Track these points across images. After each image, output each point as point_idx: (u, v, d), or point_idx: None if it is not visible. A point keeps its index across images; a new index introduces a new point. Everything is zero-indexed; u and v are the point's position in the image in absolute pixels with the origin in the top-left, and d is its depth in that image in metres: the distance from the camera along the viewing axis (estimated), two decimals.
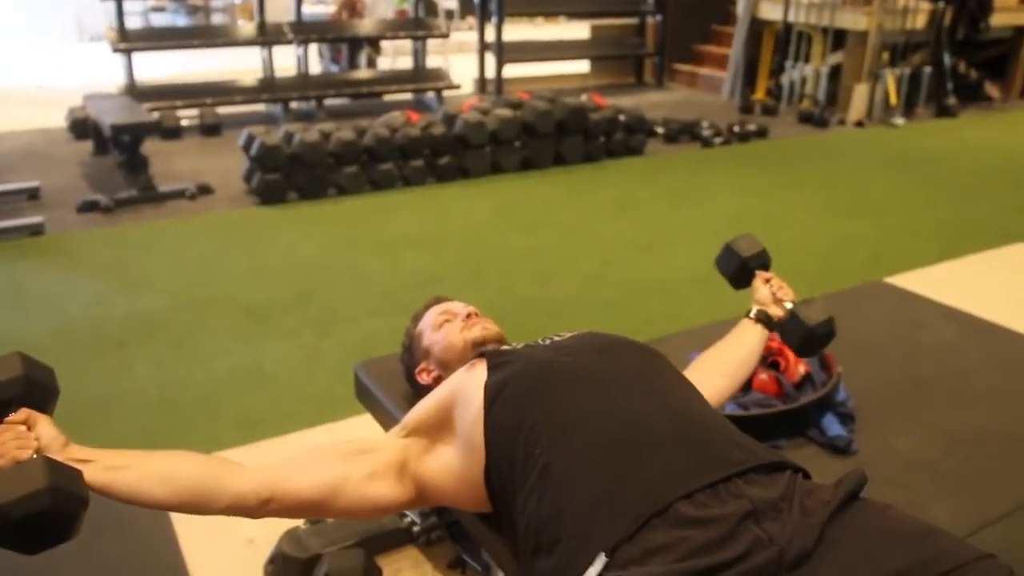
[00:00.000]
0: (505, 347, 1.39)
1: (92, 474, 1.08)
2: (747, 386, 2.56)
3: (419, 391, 1.57)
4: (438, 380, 1.54)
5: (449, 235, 4.16)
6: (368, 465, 1.28)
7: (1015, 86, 8.04)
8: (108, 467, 1.10)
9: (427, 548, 1.91)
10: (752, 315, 1.67)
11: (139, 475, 1.12)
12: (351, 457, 1.29)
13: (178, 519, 2.05)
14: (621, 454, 1.11)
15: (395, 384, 1.75)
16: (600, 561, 1.00)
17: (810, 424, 2.47)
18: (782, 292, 1.68)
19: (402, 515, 1.93)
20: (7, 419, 1.10)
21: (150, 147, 4.76)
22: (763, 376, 2.53)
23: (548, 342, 1.39)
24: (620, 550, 1.01)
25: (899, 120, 6.84)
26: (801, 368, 2.57)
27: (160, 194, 4.57)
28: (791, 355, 2.58)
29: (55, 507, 0.98)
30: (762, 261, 1.76)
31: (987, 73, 7.94)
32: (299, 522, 1.95)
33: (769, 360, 2.59)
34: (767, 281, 1.71)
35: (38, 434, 1.09)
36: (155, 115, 4.96)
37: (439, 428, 1.32)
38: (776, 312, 1.66)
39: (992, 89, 7.96)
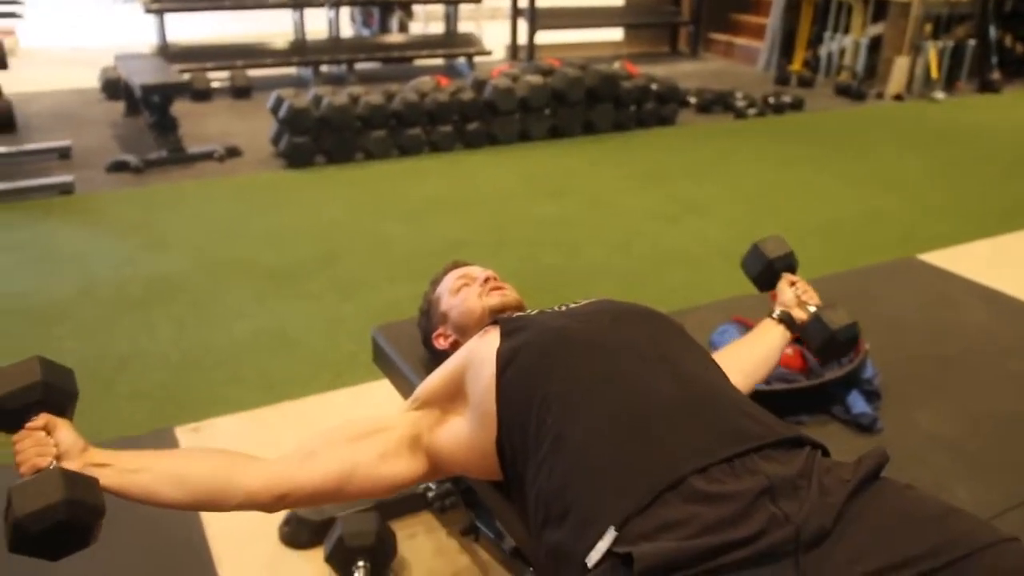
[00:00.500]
0: (519, 313, 1.37)
1: (108, 479, 1.08)
2: None
3: (436, 356, 1.56)
4: (455, 345, 1.53)
5: (475, 201, 4.13)
6: (380, 445, 1.27)
7: None
8: (124, 471, 1.11)
9: (441, 514, 1.91)
10: (775, 316, 1.65)
11: (154, 478, 1.12)
12: (361, 439, 1.27)
13: None
14: (634, 426, 1.09)
15: (413, 348, 1.74)
16: (610, 535, 0.98)
17: (835, 401, 2.43)
18: (807, 295, 1.67)
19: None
20: (27, 425, 1.10)
21: (180, 108, 4.77)
22: (788, 351, 2.46)
23: (563, 309, 1.36)
24: (631, 524, 0.98)
25: (940, 94, 6.66)
26: None
27: (189, 155, 4.58)
28: None
29: (71, 519, 1.00)
30: (788, 263, 1.74)
31: None
32: None
33: (794, 335, 2.54)
34: (792, 284, 1.69)
35: (57, 440, 1.09)
36: (186, 76, 4.96)
37: (451, 398, 1.31)
38: (800, 315, 1.64)
39: None
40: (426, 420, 1.31)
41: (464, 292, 1.55)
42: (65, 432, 1.11)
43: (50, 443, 1.09)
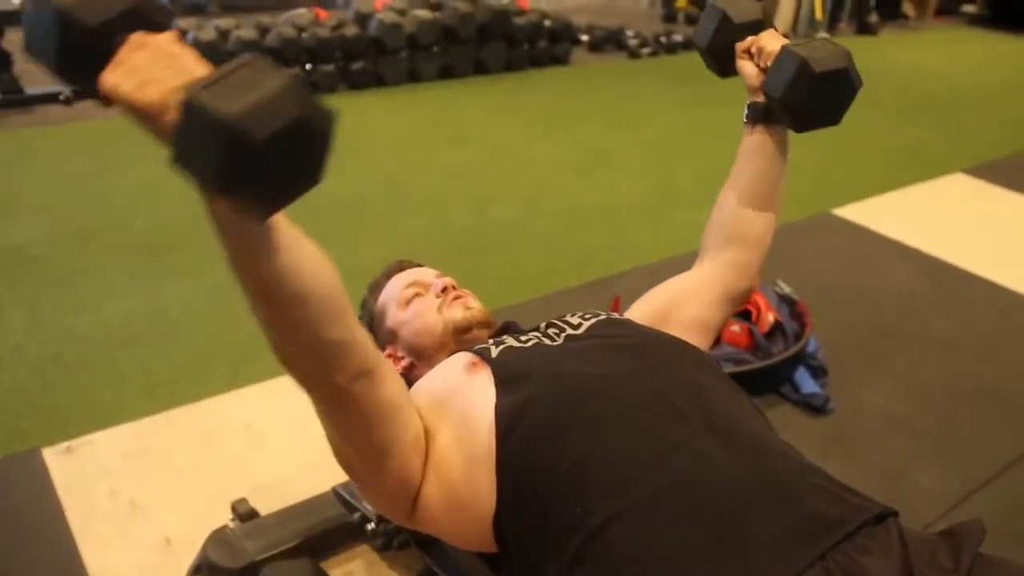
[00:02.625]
0: (512, 341, 1.08)
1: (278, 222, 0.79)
2: (717, 338, 2.36)
3: None
4: (409, 369, 1.24)
5: (368, 151, 3.75)
6: (417, 423, 0.98)
7: (929, 5, 8.01)
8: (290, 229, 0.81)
9: (384, 552, 1.64)
10: (744, 118, 1.27)
11: (301, 248, 0.81)
12: (411, 401, 0.99)
13: (73, 507, 1.71)
14: (700, 519, 0.85)
15: None
16: None
17: (783, 380, 2.29)
18: (765, 56, 1.20)
19: (350, 508, 1.64)
20: (131, 39, 0.70)
21: (12, 39, 4.11)
22: (735, 328, 2.32)
23: (560, 338, 1.08)
24: None
25: (823, 35, 6.65)
26: (771, 317, 2.38)
27: (28, 97, 3.98)
28: (762, 303, 2.39)
29: (322, 121, 0.68)
30: (752, 19, 1.25)
31: None
32: (226, 519, 1.65)
33: (739, 309, 2.38)
34: (748, 51, 1.24)
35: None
36: (16, 2, 4.28)
37: (437, 428, 1.01)
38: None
39: (908, 7, 7.91)
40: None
41: (418, 304, 1.25)
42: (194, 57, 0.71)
43: (192, 54, 0.71)
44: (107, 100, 0.70)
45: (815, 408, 2.23)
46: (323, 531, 1.62)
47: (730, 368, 2.24)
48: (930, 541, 0.89)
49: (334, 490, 1.69)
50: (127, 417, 1.98)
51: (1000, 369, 2.49)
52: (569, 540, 0.87)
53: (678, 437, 0.92)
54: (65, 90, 4.01)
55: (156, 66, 0.69)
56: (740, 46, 1.25)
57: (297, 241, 0.81)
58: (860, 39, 6.95)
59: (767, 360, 2.25)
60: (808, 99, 1.14)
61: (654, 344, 1.08)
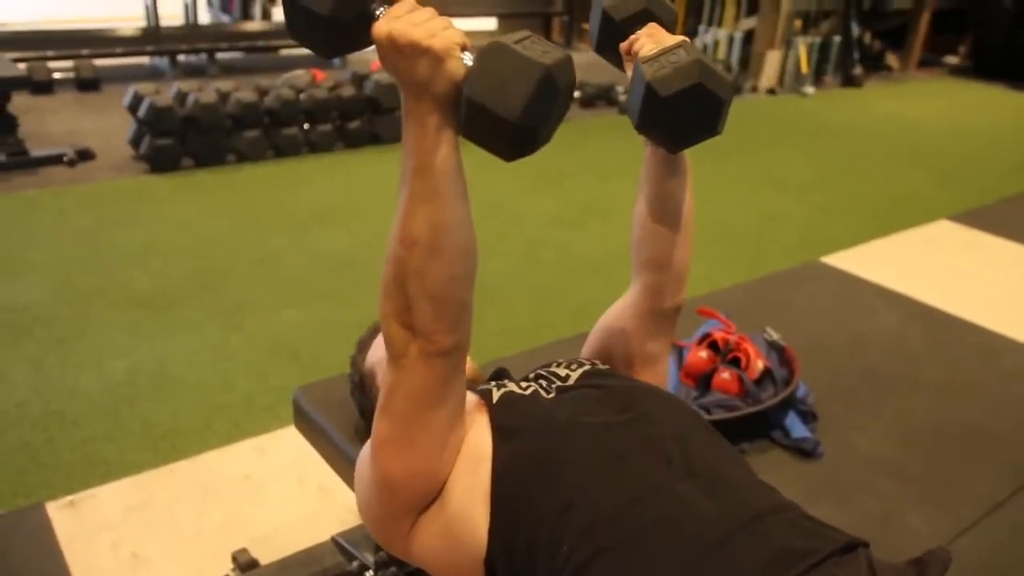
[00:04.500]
0: (513, 390, 1.13)
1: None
2: (707, 385, 2.41)
3: None
4: None
5: (363, 209, 3.83)
6: (463, 430, 1.05)
7: (913, 57, 8.21)
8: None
9: None
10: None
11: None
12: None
13: (76, 561, 1.74)
14: (678, 555, 0.89)
15: (343, 412, 1.49)
16: None
17: (774, 425, 2.33)
18: (638, 44, 1.10)
19: (349, 556, 1.67)
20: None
21: (18, 104, 4.22)
22: (725, 375, 2.37)
23: (553, 390, 1.13)
24: None
25: (809, 88, 6.84)
26: (761, 363, 2.43)
27: (33, 159, 4.05)
28: (751, 350, 2.44)
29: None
30: (633, 11, 1.15)
31: (888, 44, 8.08)
32: (227, 568, 1.68)
33: (729, 356, 2.44)
34: (629, 52, 1.13)
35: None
36: (22, 67, 4.41)
37: None
38: None
39: (892, 60, 8.11)
40: None
41: None
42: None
43: (445, 20, 0.87)
44: (379, 43, 0.86)
45: (805, 452, 2.27)
46: None
47: (721, 414, 2.28)
48: (899, 570, 0.93)
49: (333, 539, 1.72)
50: (129, 471, 2.02)
51: (987, 411, 2.54)
52: (557, 574, 0.92)
53: (659, 480, 0.96)
54: (69, 152, 4.11)
55: (435, 22, 0.86)
56: (622, 47, 1.15)
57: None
58: (846, 91, 7.12)
59: (757, 406, 2.30)
60: (665, 123, 1.03)
61: (639, 394, 1.13)
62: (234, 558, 1.69)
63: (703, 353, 2.45)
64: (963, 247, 3.91)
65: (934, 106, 6.88)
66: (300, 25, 0.90)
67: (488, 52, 0.85)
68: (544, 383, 1.16)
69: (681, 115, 1.00)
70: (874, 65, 7.79)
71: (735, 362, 2.42)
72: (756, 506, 0.97)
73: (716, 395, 2.35)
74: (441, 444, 1.01)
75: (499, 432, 1.03)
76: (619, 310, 1.29)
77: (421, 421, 0.99)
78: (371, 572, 1.63)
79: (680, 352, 2.53)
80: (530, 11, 8.39)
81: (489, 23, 8.44)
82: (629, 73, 1.09)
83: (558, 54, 0.87)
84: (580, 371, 1.18)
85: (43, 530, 1.83)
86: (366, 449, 1.08)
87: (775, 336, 2.58)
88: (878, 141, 5.70)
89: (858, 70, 7.23)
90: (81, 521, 1.86)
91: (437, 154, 0.89)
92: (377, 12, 0.88)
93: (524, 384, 1.15)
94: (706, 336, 2.51)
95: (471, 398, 1.11)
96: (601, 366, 1.23)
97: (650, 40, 1.08)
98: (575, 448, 1.01)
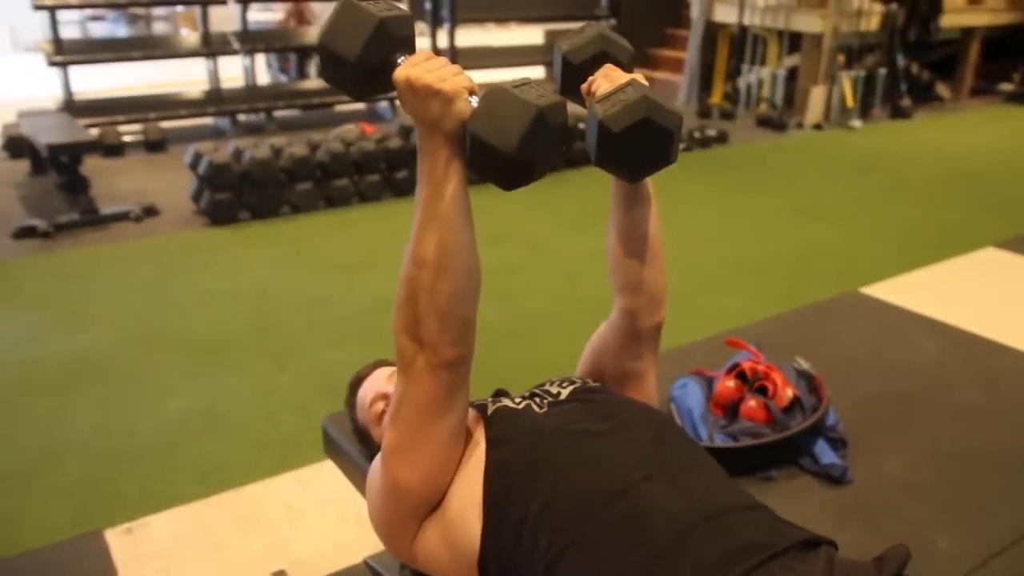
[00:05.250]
0: (508, 404, 1.22)
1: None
2: (734, 413, 2.45)
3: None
4: None
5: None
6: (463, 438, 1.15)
7: (964, 86, 8.14)
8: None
9: None
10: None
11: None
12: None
13: None
14: (642, 546, 0.97)
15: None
16: None
17: (802, 452, 2.36)
18: (595, 85, 1.17)
19: (376, 575, 1.76)
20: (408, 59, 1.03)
21: (91, 166, 4.52)
22: (752, 403, 2.41)
23: (545, 403, 1.23)
24: None
25: (856, 122, 6.83)
26: (789, 392, 2.47)
27: (103, 217, 4.32)
28: (779, 378, 2.48)
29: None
30: (591, 54, 1.22)
31: (937, 74, 8.02)
32: None
33: (756, 385, 2.48)
34: (589, 91, 1.20)
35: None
36: (94, 132, 4.72)
37: None
38: None
39: (943, 89, 8.05)
40: None
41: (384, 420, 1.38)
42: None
43: (455, 68, 1.02)
44: (399, 86, 1.02)
45: (834, 478, 2.29)
46: None
47: (747, 441, 2.32)
48: (859, 566, 0.99)
49: (365, 561, 1.82)
50: (181, 501, 2.16)
51: (1022, 435, 2.51)
52: (533, 571, 1.00)
53: (631, 481, 1.04)
54: (135, 209, 4.37)
55: (446, 69, 1.01)
56: (583, 89, 1.22)
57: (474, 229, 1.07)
58: (894, 123, 7.08)
59: (783, 433, 2.33)
60: (620, 157, 1.09)
61: (621, 406, 1.22)
62: None
63: (731, 382, 2.49)
64: (1008, 274, 3.86)
65: (986, 134, 6.80)
66: (332, 70, 1.05)
67: (490, 95, 0.99)
68: (538, 399, 1.25)
69: (634, 148, 1.07)
70: (924, 96, 7.74)
71: (763, 391, 2.46)
72: (722, 505, 1.03)
73: (743, 423, 2.39)
74: (445, 452, 1.10)
75: (491, 442, 1.13)
76: (603, 332, 1.38)
77: (427, 430, 1.09)
78: None
79: (710, 382, 2.58)
80: None
81: (536, 72, 8.64)
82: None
83: (552, 98, 1.00)
84: (571, 388, 1.27)
85: (102, 555, 1.97)
86: (377, 460, 1.18)
87: (804, 365, 2.61)
88: (925, 171, 5.66)
89: (906, 101, 7.19)
90: (136, 547, 1.99)
91: (447, 184, 1.02)
92: (399, 60, 1.03)
93: (518, 400, 1.24)
94: (735, 366, 2.56)
95: (470, 413, 1.21)
96: (591, 383, 1.32)
97: (606, 80, 1.16)
98: (556, 454, 1.09)
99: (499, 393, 1.36)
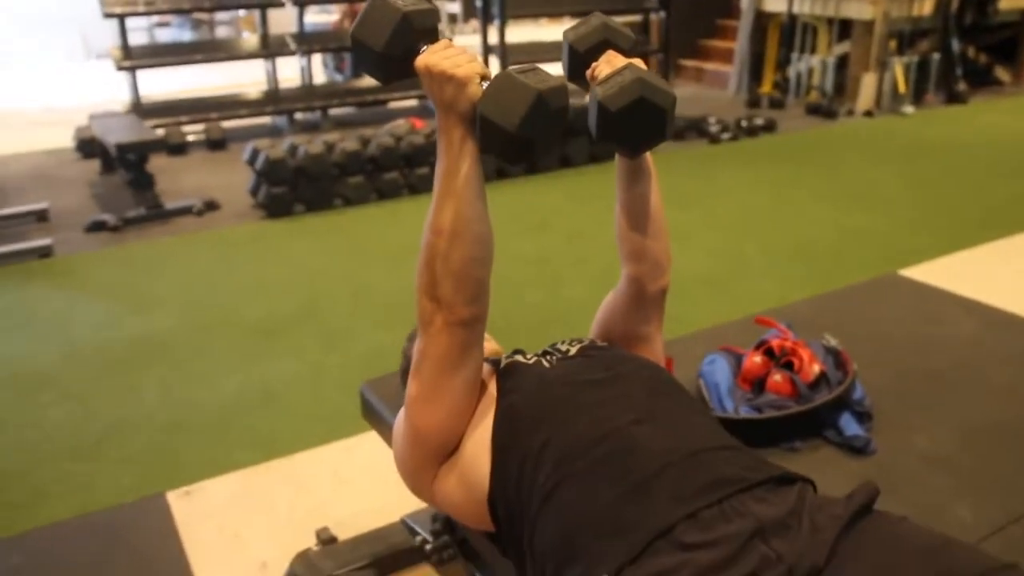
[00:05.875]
0: (519, 359, 1.35)
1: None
2: (760, 387, 2.52)
3: None
4: None
5: None
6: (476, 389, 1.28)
7: None
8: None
9: (440, 567, 1.88)
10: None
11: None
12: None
13: (189, 539, 2.04)
14: (625, 479, 1.08)
15: (401, 402, 1.72)
16: None
17: (827, 424, 2.42)
18: (598, 70, 1.27)
19: (413, 533, 1.90)
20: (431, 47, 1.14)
21: (156, 164, 4.77)
22: (777, 377, 2.48)
23: (554, 359, 1.35)
24: (624, 573, 0.97)
25: (909, 108, 6.76)
26: (816, 367, 2.52)
27: (167, 211, 4.57)
28: (805, 355, 2.54)
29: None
30: (596, 42, 1.32)
31: (996, 57, 7.86)
32: (312, 544, 1.93)
33: (783, 360, 2.55)
34: (593, 76, 1.29)
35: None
36: (160, 132, 4.98)
37: None
38: None
39: (1002, 73, 7.88)
40: None
41: None
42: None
43: (474, 56, 1.13)
44: (419, 72, 1.14)
45: (857, 449, 2.35)
46: (389, 553, 1.88)
47: (771, 413, 2.40)
48: (829, 500, 1.08)
49: (402, 520, 1.96)
50: (234, 467, 2.33)
51: None
52: (533, 503, 1.12)
53: (622, 423, 1.15)
54: (197, 203, 4.60)
55: (461, 56, 1.12)
56: (588, 75, 1.31)
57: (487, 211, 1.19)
58: (949, 109, 6.98)
59: (807, 405, 2.40)
60: (620, 135, 1.20)
61: (622, 360, 1.33)
62: (317, 535, 1.95)
63: (758, 358, 2.56)
64: None
65: None
66: (362, 59, 1.19)
67: (497, 79, 1.11)
68: (548, 356, 1.37)
69: (631, 126, 1.18)
70: (982, 80, 7.60)
71: (789, 366, 2.53)
72: (704, 445, 1.14)
73: (769, 396, 2.47)
74: (460, 402, 1.23)
75: (501, 391, 1.25)
76: (612, 299, 1.50)
77: (444, 381, 1.21)
78: (430, 544, 1.85)
79: (738, 359, 2.65)
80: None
81: None
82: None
83: (553, 82, 1.11)
84: (579, 346, 1.39)
85: (164, 515, 2.15)
86: (401, 411, 1.32)
87: (833, 342, 2.66)
88: (977, 155, 5.59)
89: (962, 86, 7.08)
90: (194, 507, 2.17)
91: (462, 161, 1.15)
92: (422, 49, 1.16)
93: (530, 356, 1.36)
94: (763, 343, 2.63)
95: (485, 367, 1.34)
96: (600, 342, 1.43)
97: (607, 66, 1.27)
98: (557, 401, 1.21)
99: (515, 352, 1.49)
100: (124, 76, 6.26)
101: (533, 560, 1.11)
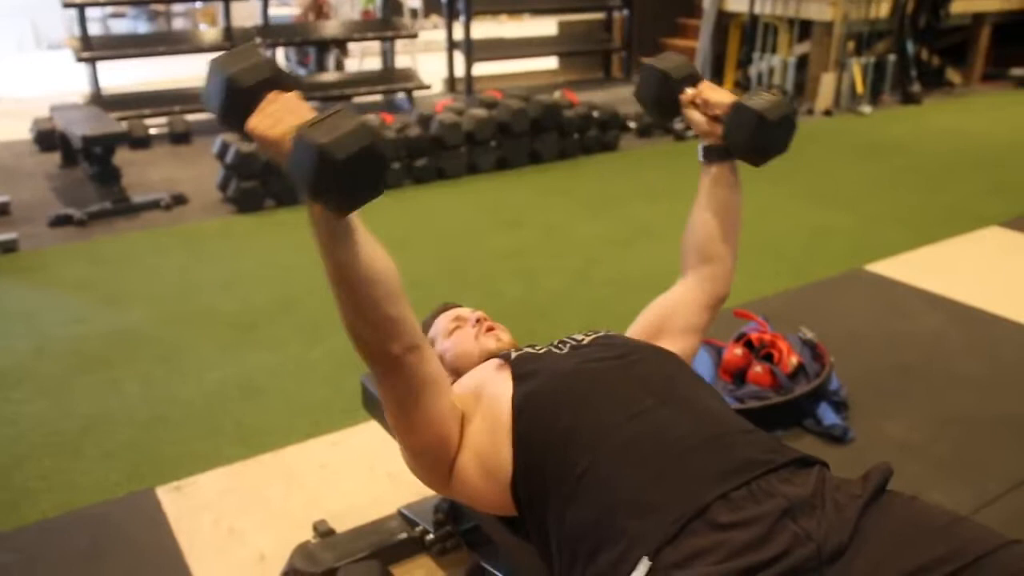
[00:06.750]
0: (529, 351, 1.38)
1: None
2: (742, 379, 2.59)
3: None
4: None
5: (429, 238, 4.14)
6: (453, 399, 1.29)
7: (975, 71, 8.19)
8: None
9: (441, 557, 1.90)
10: (700, 157, 1.54)
11: (371, 242, 1.14)
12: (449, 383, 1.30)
13: (183, 534, 2.03)
14: (655, 461, 1.11)
15: None
16: (644, 565, 1.00)
17: (806, 414, 2.50)
18: (711, 106, 1.46)
19: (412, 524, 1.92)
20: (269, 97, 1.07)
21: (119, 157, 4.68)
22: (757, 368, 2.55)
23: (567, 348, 1.38)
24: (663, 553, 1.01)
25: (866, 108, 6.93)
26: (794, 359, 2.60)
27: (134, 205, 4.49)
28: (784, 347, 2.61)
29: (377, 146, 1.01)
30: (678, 78, 1.49)
31: (948, 59, 8.09)
32: (308, 536, 1.94)
33: (762, 352, 2.61)
34: (693, 102, 1.48)
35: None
36: (123, 125, 4.88)
37: (470, 414, 1.32)
38: (720, 132, 1.47)
39: (954, 75, 8.11)
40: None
41: (458, 335, 1.56)
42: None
43: (307, 106, 1.06)
44: (250, 136, 1.08)
45: (835, 438, 2.42)
46: (390, 544, 1.89)
47: (753, 404, 2.46)
48: (846, 481, 1.13)
49: (399, 511, 1.97)
50: (224, 462, 2.32)
51: (1020, 400, 2.64)
52: (562, 486, 1.15)
53: (644, 407, 1.19)
54: (165, 197, 4.54)
55: (282, 113, 1.05)
56: (685, 98, 1.48)
57: (367, 238, 1.15)
58: (904, 109, 7.17)
59: (787, 396, 2.47)
60: (767, 143, 1.42)
61: (637, 347, 1.37)
62: (314, 527, 1.95)
63: (738, 351, 2.63)
64: (1011, 252, 3.97)
65: (995, 118, 6.87)
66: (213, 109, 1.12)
67: (297, 133, 1.01)
68: (560, 345, 1.40)
69: (775, 137, 1.40)
70: (935, 81, 7.81)
71: (768, 357, 2.59)
72: (726, 428, 1.18)
73: (751, 387, 2.53)
74: (437, 420, 1.25)
75: (517, 379, 1.28)
76: (676, 294, 1.56)
77: (415, 414, 1.24)
78: (431, 535, 1.87)
79: (718, 351, 2.72)
80: (589, 48, 8.69)
81: (550, 62, 8.77)
82: (691, 116, 1.49)
83: (338, 132, 0.99)
84: (593, 336, 1.42)
85: (154, 509, 2.13)
86: None
87: (809, 334, 2.74)
88: (934, 154, 5.76)
89: (916, 87, 7.27)
90: (186, 502, 2.16)
91: (314, 211, 1.09)
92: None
93: (539, 347, 1.39)
94: (742, 336, 2.70)
95: (492, 362, 1.36)
96: (612, 332, 1.46)
97: (712, 91, 1.47)
98: (577, 384, 1.24)
99: (526, 345, 1.51)
100: (80, 67, 6.13)
101: (561, 542, 1.14)
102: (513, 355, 1.36)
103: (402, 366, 1.19)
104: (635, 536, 1.04)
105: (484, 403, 1.30)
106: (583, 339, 1.41)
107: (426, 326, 1.65)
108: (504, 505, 1.26)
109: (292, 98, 1.08)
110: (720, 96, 1.46)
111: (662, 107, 1.53)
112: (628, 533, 1.05)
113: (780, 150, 1.45)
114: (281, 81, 1.10)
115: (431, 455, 1.30)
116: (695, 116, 1.50)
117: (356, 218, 1.11)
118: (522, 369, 1.30)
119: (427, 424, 1.25)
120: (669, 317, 1.53)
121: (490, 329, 1.55)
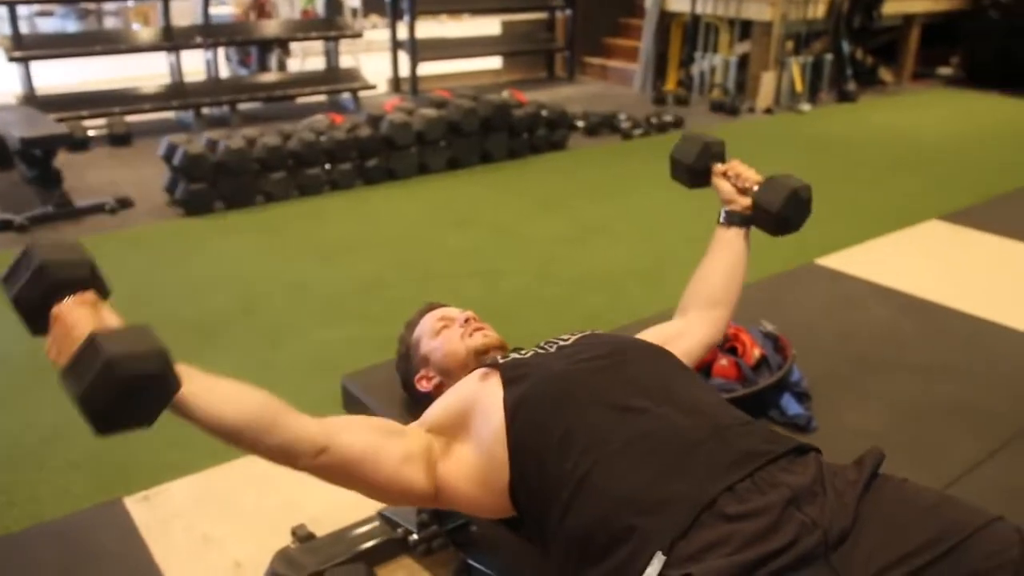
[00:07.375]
0: (515, 355, 1.39)
1: (190, 383, 1.09)
2: (707, 372, 2.64)
3: (418, 399, 1.57)
4: (439, 387, 1.54)
5: (384, 238, 4.12)
6: (403, 446, 1.27)
7: (906, 70, 8.48)
8: (198, 378, 1.13)
9: (425, 557, 1.90)
10: (722, 220, 1.67)
11: (216, 395, 1.13)
12: (388, 434, 1.27)
13: (155, 543, 1.98)
14: (657, 458, 1.13)
15: (388, 394, 1.74)
16: (659, 560, 1.02)
17: (771, 405, 2.56)
18: (742, 179, 1.64)
19: (395, 525, 1.91)
20: (75, 298, 1.07)
21: (58, 160, 4.54)
22: (723, 362, 2.60)
23: (554, 348, 1.39)
24: (677, 548, 1.03)
25: (805, 106, 7.10)
26: (757, 351, 2.66)
27: (77, 209, 4.36)
28: (747, 340, 2.67)
29: (165, 373, 1.00)
30: (714, 152, 1.70)
31: (881, 59, 8.34)
32: (285, 542, 1.92)
33: (727, 346, 2.67)
34: (724, 174, 1.67)
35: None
36: (64, 126, 4.74)
37: (456, 433, 1.32)
38: (745, 201, 1.64)
39: (886, 74, 8.37)
40: (436, 444, 1.31)
41: (445, 334, 1.56)
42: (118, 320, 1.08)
43: (113, 316, 1.07)
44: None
45: (799, 427, 2.49)
46: (372, 546, 1.88)
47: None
48: (842, 467, 1.17)
49: (380, 513, 1.96)
50: (193, 469, 2.27)
51: (971, 388, 2.75)
52: (563, 490, 1.16)
53: (641, 406, 1.21)
54: (110, 201, 4.42)
55: (64, 338, 1.06)
56: (718, 169, 1.67)
57: (211, 394, 1.14)
58: (841, 106, 7.37)
59: (753, 388, 2.52)
60: (793, 215, 1.59)
61: (627, 344, 1.39)
62: (293, 532, 1.93)
63: None
64: (950, 244, 4.13)
65: (928, 115, 7.12)
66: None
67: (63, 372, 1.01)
68: (544, 346, 1.41)
69: (800, 212, 1.59)
70: (869, 80, 8.05)
71: (733, 351, 2.65)
72: (724, 422, 1.21)
73: (716, 381, 2.58)
74: (391, 480, 1.25)
75: (507, 383, 1.28)
76: (679, 326, 1.60)
77: (360, 486, 1.26)
78: (415, 535, 1.86)
79: None
80: (533, 48, 8.73)
81: (494, 62, 8.79)
82: (720, 185, 1.68)
83: (130, 350, 1.02)
84: (579, 335, 1.43)
85: (124, 520, 2.08)
86: None
87: (770, 327, 2.81)
88: (872, 151, 5.94)
89: (852, 86, 7.48)
90: (156, 511, 2.11)
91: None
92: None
93: (524, 351, 1.40)
94: None
95: (476, 373, 1.36)
96: (598, 331, 1.48)
97: (743, 167, 1.65)
98: (570, 384, 1.26)
99: (513, 350, 1.52)
100: (10, 68, 5.92)
101: (566, 542, 1.15)
102: (500, 360, 1.37)
103: (321, 467, 1.21)
104: (646, 533, 1.06)
105: (474, 415, 1.30)
106: (569, 339, 1.42)
107: (412, 326, 1.65)
108: (503, 509, 1.26)
109: (70, 311, 1.08)
110: (751, 172, 1.64)
111: (694, 173, 1.70)
112: (638, 530, 1.07)
113: (796, 227, 1.62)
114: (68, 284, 1.10)
115: (409, 499, 1.32)
116: (724, 186, 1.67)
117: (190, 386, 1.11)
118: (511, 373, 1.30)
119: (385, 487, 1.26)
120: (673, 339, 1.56)
121: (478, 329, 1.56)
